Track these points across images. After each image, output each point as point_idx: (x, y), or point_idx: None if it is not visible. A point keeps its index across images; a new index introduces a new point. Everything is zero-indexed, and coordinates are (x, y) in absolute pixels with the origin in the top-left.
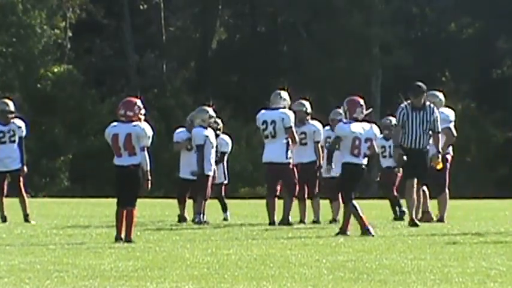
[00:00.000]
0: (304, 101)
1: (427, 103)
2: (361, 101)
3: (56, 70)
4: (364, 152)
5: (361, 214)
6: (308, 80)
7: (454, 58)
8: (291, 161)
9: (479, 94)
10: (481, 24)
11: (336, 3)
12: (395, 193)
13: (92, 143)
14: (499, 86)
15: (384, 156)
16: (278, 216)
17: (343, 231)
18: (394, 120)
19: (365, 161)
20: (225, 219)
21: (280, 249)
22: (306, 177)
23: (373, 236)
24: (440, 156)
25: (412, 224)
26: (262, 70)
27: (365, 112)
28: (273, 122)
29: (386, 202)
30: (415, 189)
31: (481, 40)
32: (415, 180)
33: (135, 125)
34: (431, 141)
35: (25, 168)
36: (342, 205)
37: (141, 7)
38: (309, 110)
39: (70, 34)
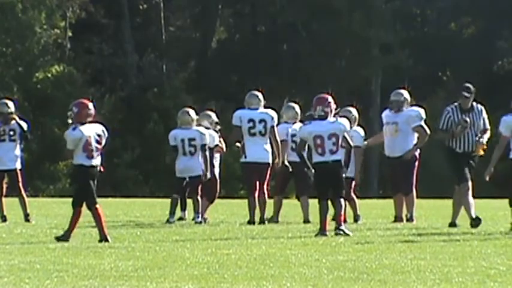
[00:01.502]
0: (351, 108)
1: (474, 104)
2: (329, 98)
3: (55, 70)
4: (330, 148)
5: (327, 216)
6: (308, 80)
7: (454, 58)
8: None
9: (479, 94)
10: (481, 24)
11: (336, 3)
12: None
13: None
14: (499, 86)
15: None
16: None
17: (337, 229)
18: (354, 112)
19: (335, 156)
20: (181, 218)
21: (280, 249)
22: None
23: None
24: (480, 143)
25: (475, 224)
26: (262, 70)
27: (328, 110)
28: (263, 121)
29: (387, 202)
30: (470, 192)
31: (481, 40)
32: (470, 183)
33: (98, 127)
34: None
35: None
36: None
37: (141, 7)
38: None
39: (70, 34)
